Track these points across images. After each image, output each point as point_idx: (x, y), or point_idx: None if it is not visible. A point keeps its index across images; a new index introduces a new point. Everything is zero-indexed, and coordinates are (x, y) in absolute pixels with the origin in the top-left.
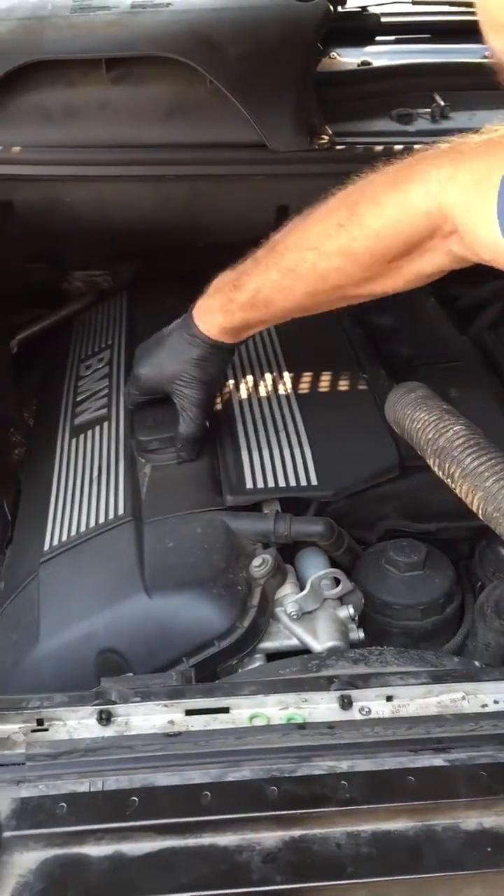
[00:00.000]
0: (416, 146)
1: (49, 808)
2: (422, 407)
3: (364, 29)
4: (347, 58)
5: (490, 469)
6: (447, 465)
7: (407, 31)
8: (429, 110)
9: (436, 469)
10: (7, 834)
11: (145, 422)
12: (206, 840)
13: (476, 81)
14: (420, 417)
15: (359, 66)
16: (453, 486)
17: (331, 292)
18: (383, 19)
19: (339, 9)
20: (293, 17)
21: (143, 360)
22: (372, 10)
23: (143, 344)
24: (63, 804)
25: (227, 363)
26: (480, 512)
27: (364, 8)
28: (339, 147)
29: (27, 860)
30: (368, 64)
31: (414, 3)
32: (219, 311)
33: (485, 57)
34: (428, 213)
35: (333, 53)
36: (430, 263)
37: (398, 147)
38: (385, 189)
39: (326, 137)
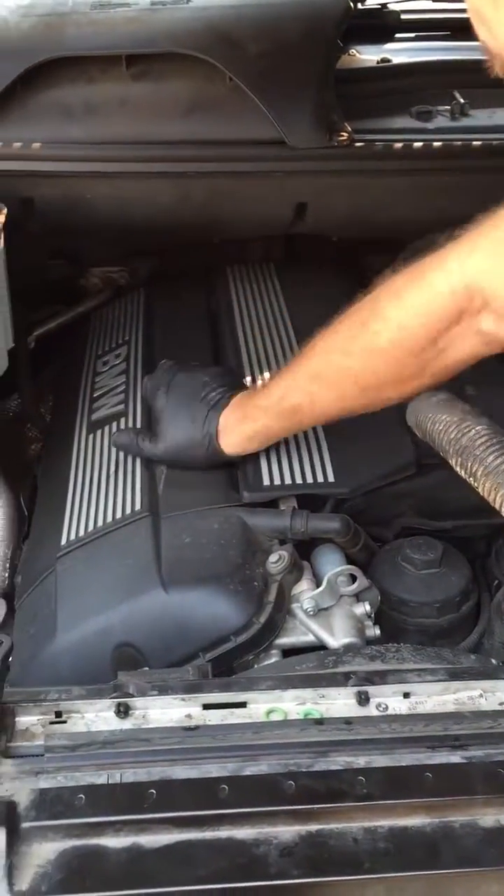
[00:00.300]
0: (435, 143)
1: (68, 799)
2: (443, 409)
3: (384, 26)
4: (367, 55)
5: None
6: (469, 464)
7: (427, 28)
8: (448, 108)
9: (458, 469)
10: (26, 824)
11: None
12: (223, 833)
13: (496, 79)
14: (442, 419)
15: (378, 63)
16: (476, 484)
17: (359, 397)
18: (403, 16)
19: (359, 5)
20: (313, 13)
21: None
22: (392, 6)
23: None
24: (81, 796)
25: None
26: (503, 508)
27: (384, 5)
28: (358, 144)
29: (46, 851)
30: (388, 61)
31: None
32: (242, 419)
33: None
34: (453, 293)
35: (353, 50)
36: (460, 351)
37: (418, 144)
38: (405, 281)
39: (346, 134)
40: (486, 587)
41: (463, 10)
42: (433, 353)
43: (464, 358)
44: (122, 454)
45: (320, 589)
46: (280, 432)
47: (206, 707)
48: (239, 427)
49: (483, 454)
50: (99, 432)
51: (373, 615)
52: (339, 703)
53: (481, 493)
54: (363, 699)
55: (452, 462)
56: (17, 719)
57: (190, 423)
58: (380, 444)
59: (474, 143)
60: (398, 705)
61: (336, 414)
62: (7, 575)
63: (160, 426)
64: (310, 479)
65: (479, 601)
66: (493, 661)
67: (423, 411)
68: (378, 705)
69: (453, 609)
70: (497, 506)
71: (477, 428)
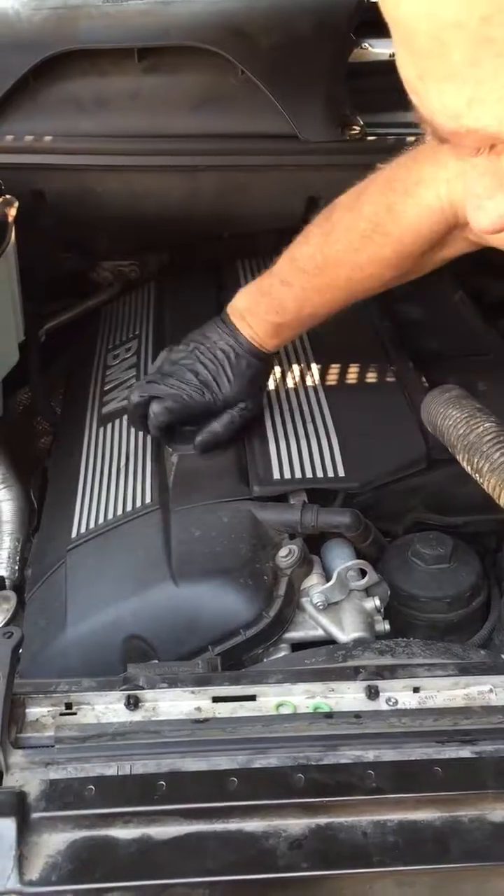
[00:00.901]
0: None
1: (77, 790)
2: (454, 405)
3: None
4: (379, 48)
5: None
6: (476, 461)
7: None
8: None
9: (465, 465)
10: (36, 815)
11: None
12: (232, 825)
13: None
14: (452, 414)
15: (391, 56)
16: (482, 480)
17: (362, 294)
18: None
19: None
20: (326, 7)
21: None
22: None
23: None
24: (91, 787)
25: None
26: None
27: None
28: (370, 138)
29: (55, 841)
30: None
31: None
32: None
33: None
34: (442, 211)
35: (365, 44)
36: (451, 250)
37: (429, 138)
38: (399, 198)
39: (358, 128)
40: (497, 582)
41: None
42: (430, 255)
43: (455, 254)
44: (132, 447)
45: (330, 583)
46: (288, 330)
47: (216, 700)
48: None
49: (490, 450)
50: (109, 425)
51: (382, 610)
52: (348, 697)
53: (487, 490)
54: (373, 693)
55: (460, 458)
56: (27, 710)
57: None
58: (390, 439)
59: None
60: (408, 700)
61: (341, 306)
62: (17, 567)
63: (221, 379)
64: (320, 474)
65: (489, 596)
66: (503, 656)
67: (435, 407)
68: (387, 700)
69: (463, 604)
70: (502, 502)
71: (486, 425)
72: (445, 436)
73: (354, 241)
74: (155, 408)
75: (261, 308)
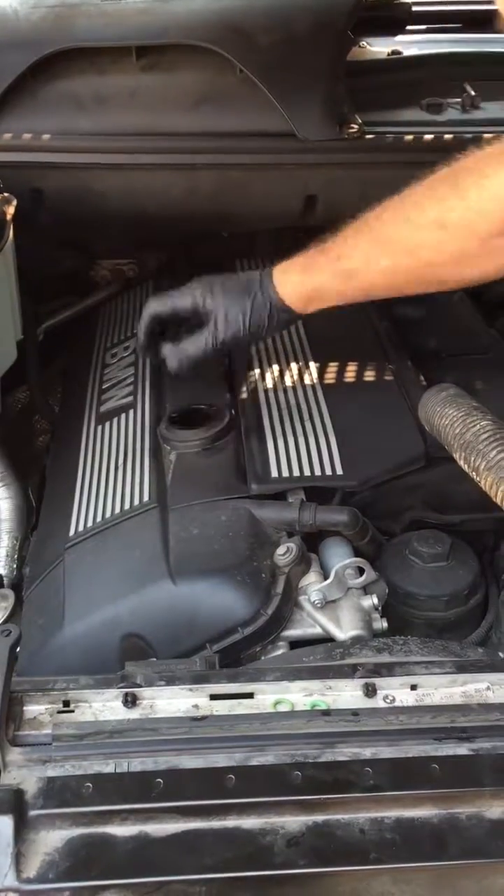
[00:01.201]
0: (445, 136)
1: (75, 787)
2: (451, 404)
3: (394, 18)
4: (378, 47)
5: None
6: (472, 459)
7: (437, 20)
8: (459, 100)
9: (462, 463)
10: (34, 812)
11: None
12: (230, 823)
13: None
14: (448, 413)
15: (389, 55)
16: (478, 479)
17: (420, 270)
18: (414, 8)
19: None
20: (324, 5)
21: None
22: None
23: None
24: (89, 784)
25: (280, 331)
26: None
27: None
28: (368, 136)
29: (53, 839)
30: (398, 53)
31: None
32: (298, 270)
33: None
34: None
35: (364, 42)
36: None
37: (428, 137)
38: (491, 162)
39: (356, 127)
40: (495, 581)
41: (473, 3)
42: (501, 241)
43: None
44: (130, 446)
45: (328, 581)
46: (334, 295)
47: (214, 697)
48: (298, 277)
49: (486, 449)
50: (107, 424)
51: (380, 608)
52: (346, 694)
53: (484, 488)
54: (370, 691)
55: (457, 457)
56: (25, 708)
57: (245, 294)
58: (389, 437)
59: (485, 135)
60: (405, 697)
61: (386, 287)
62: (15, 566)
63: (217, 312)
64: (318, 472)
65: (487, 595)
66: (501, 654)
67: (432, 406)
68: (385, 697)
69: (461, 603)
70: (499, 501)
71: (482, 423)
72: (442, 434)
73: (427, 200)
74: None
75: (311, 249)
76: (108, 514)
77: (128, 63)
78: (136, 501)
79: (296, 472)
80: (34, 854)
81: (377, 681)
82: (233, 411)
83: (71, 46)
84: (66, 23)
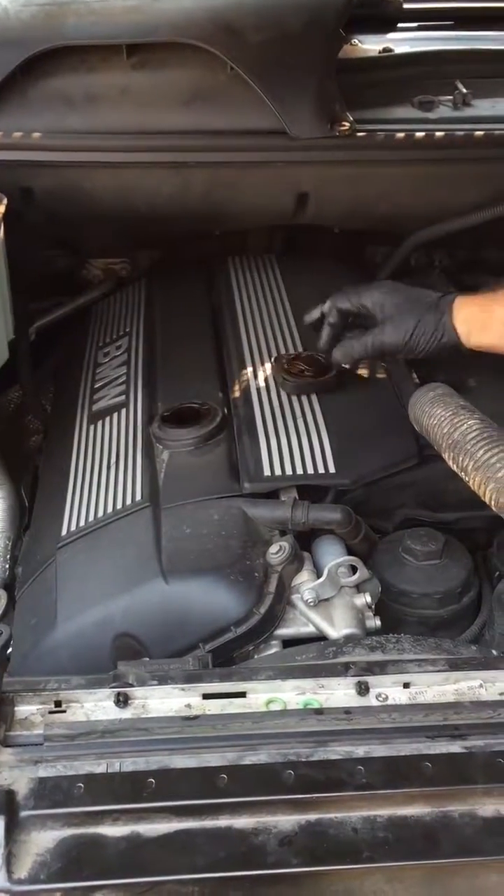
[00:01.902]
0: (437, 133)
1: (67, 788)
2: (439, 404)
3: (386, 16)
4: (369, 44)
5: (502, 461)
6: (460, 458)
7: (429, 17)
8: (451, 97)
9: (450, 463)
10: (25, 813)
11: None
12: (222, 822)
13: (499, 69)
14: (437, 413)
15: (380, 52)
16: (466, 478)
17: None
18: (405, 6)
19: None
20: (316, 3)
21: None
22: None
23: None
24: (80, 785)
25: (437, 355)
26: (492, 502)
27: None
28: (360, 134)
29: (45, 839)
30: (390, 51)
31: None
32: (478, 303)
33: None
34: None
35: (355, 40)
36: None
37: (419, 134)
38: None
39: (347, 124)
40: (487, 578)
41: (465, 0)
42: None
43: None
44: (122, 445)
45: (321, 580)
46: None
47: (206, 697)
48: (475, 308)
49: (473, 448)
50: (100, 423)
51: (373, 606)
52: (338, 693)
53: (472, 487)
54: (363, 689)
55: (445, 456)
56: (16, 708)
57: (422, 309)
58: (381, 436)
59: (476, 132)
60: (398, 695)
61: None
62: (8, 566)
63: (389, 318)
64: (311, 470)
65: (480, 592)
66: (494, 652)
67: (420, 406)
68: (378, 695)
69: (454, 600)
70: (487, 499)
71: (469, 423)
72: (431, 435)
73: None
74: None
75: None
76: (100, 514)
77: (118, 61)
78: (129, 500)
79: (288, 471)
80: (26, 855)
81: (370, 679)
82: (225, 410)
83: (61, 44)
84: (57, 21)
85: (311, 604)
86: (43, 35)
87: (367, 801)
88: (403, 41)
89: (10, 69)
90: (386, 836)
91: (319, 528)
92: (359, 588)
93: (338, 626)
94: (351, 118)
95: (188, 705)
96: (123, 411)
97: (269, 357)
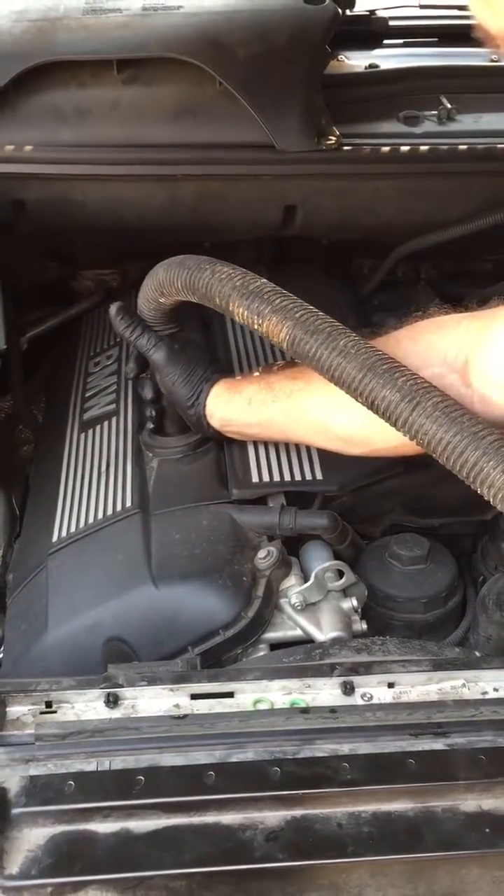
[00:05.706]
0: (422, 148)
1: (57, 786)
2: (218, 263)
3: (372, 32)
4: (355, 60)
5: (299, 306)
6: (255, 305)
7: (414, 34)
8: (435, 112)
9: (244, 311)
10: (16, 810)
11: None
12: (210, 818)
13: (482, 84)
14: (223, 270)
15: (367, 68)
16: (260, 321)
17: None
18: (391, 23)
19: (348, 12)
20: (302, 19)
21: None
22: (380, 13)
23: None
24: (71, 782)
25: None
26: (286, 343)
27: (372, 11)
28: (346, 148)
29: (36, 836)
30: (376, 66)
31: (421, 7)
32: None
33: (491, 60)
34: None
35: (342, 56)
36: None
37: (405, 148)
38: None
39: (334, 138)
40: (472, 583)
41: (449, 17)
42: None
43: None
44: (112, 453)
45: (308, 584)
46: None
47: (194, 697)
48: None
49: (270, 297)
50: (90, 431)
51: (360, 610)
52: (324, 692)
53: (263, 331)
54: (348, 689)
55: (233, 307)
56: (7, 709)
57: (184, 371)
58: None
59: (460, 147)
60: (382, 695)
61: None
62: None
63: (157, 368)
64: (298, 477)
65: (465, 597)
66: (477, 653)
67: (197, 271)
68: (363, 695)
69: (440, 605)
70: (281, 339)
71: (264, 280)
72: (216, 288)
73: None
74: None
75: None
76: (90, 520)
77: (109, 76)
78: (119, 507)
79: (276, 478)
80: (17, 851)
81: (355, 679)
82: None
83: (52, 60)
84: (48, 36)
85: (299, 608)
86: (35, 50)
87: (352, 797)
88: (389, 57)
89: (3, 83)
90: (370, 831)
91: (307, 534)
92: (345, 592)
93: (325, 630)
94: (337, 132)
95: (177, 705)
96: (114, 420)
97: (258, 365)
